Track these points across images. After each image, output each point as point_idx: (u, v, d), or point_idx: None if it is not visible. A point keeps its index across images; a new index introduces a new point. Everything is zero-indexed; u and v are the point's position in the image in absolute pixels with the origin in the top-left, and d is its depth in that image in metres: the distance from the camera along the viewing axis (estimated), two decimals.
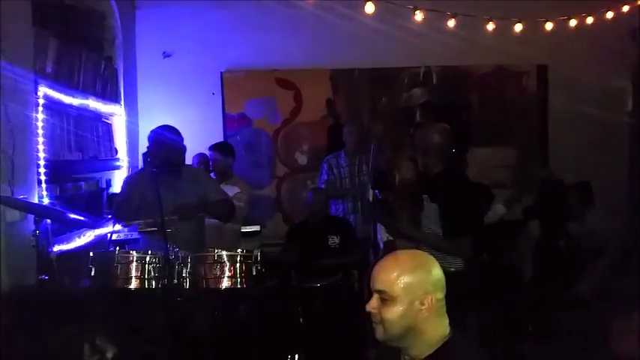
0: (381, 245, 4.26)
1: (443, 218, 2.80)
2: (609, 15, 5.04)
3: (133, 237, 3.80)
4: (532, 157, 5.62)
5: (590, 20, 5.06)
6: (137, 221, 3.02)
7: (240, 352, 3.35)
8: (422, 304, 1.60)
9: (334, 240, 4.26)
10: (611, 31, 5.14)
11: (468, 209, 2.84)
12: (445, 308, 1.66)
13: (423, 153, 2.95)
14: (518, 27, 5.06)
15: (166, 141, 3.23)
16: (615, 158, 5.45)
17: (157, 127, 3.35)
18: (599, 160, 5.24)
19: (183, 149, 3.37)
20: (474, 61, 5.48)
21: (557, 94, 5.48)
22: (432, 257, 1.73)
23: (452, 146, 2.94)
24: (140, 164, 4.00)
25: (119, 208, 3.25)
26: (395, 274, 1.63)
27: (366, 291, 3.96)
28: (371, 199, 4.43)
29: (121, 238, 3.98)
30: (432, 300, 1.61)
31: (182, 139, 3.34)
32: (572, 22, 5.07)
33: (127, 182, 3.44)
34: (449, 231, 2.80)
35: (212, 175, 4.32)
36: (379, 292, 1.64)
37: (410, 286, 1.61)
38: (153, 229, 2.82)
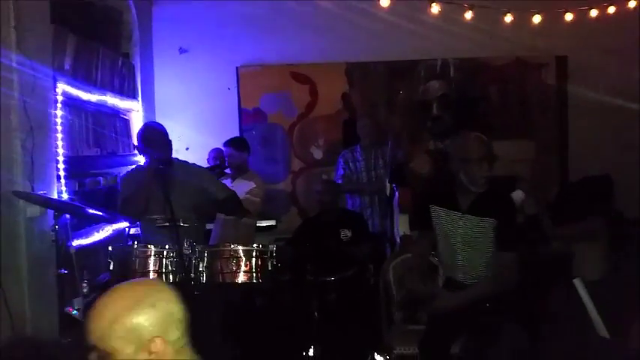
0: (398, 239, 4.23)
1: (500, 235, 2.77)
2: (631, 4, 4.93)
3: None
4: (551, 150, 5.54)
5: (611, 10, 4.95)
6: (155, 217, 3.02)
7: (256, 346, 3.37)
8: (149, 353, 1.27)
9: (346, 234, 4.22)
10: (633, 20, 5.02)
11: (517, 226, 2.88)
12: (189, 345, 1.36)
13: (466, 170, 2.77)
14: (537, 18, 4.97)
15: (155, 137, 3.13)
16: (636, 150, 5.33)
17: (144, 125, 3.32)
18: (619, 152, 5.14)
19: (170, 143, 3.18)
20: (492, 53, 5.40)
21: (577, 86, 5.38)
22: (157, 285, 1.41)
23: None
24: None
25: (124, 205, 3.17)
26: (105, 322, 1.27)
27: (381, 285, 3.97)
28: (388, 192, 4.42)
29: (139, 232, 4.01)
30: (160, 344, 1.28)
31: (167, 135, 3.18)
32: (593, 12, 4.96)
33: (125, 179, 3.30)
34: (508, 247, 2.78)
35: (228, 170, 4.33)
36: (93, 349, 1.29)
37: (128, 334, 1.26)
38: (166, 224, 2.83)
